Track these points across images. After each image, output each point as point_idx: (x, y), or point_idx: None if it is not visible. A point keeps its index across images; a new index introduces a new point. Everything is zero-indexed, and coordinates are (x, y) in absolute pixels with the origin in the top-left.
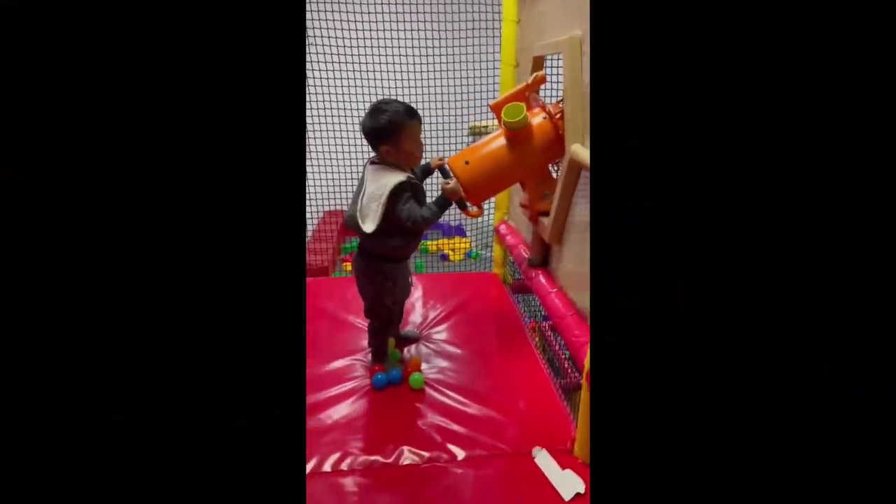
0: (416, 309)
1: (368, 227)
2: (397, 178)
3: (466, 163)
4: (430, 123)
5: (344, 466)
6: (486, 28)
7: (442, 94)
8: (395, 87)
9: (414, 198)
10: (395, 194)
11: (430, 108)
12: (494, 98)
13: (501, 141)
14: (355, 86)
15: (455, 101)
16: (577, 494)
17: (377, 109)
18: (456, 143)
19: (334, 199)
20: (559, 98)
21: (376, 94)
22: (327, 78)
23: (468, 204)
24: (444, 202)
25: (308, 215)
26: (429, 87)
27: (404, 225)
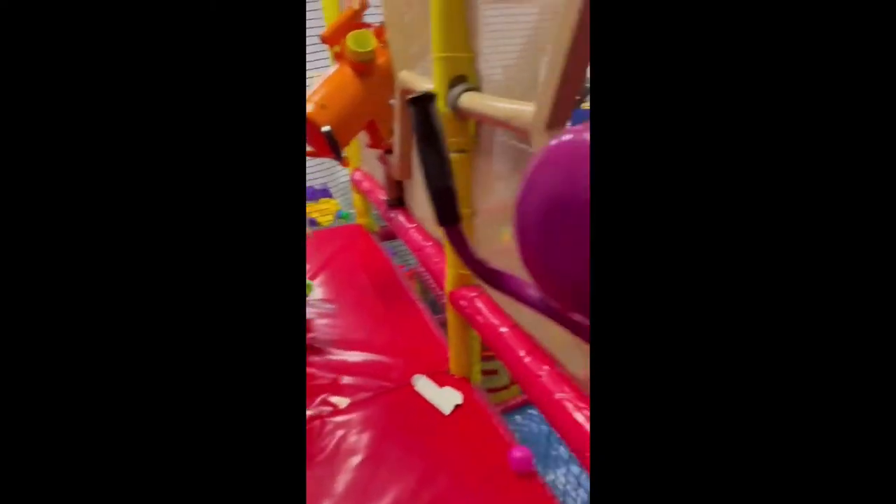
0: None
1: None
2: None
3: (323, 107)
4: None
5: None
6: None
7: None
8: None
9: None
10: None
11: None
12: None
13: (348, 74)
14: None
15: None
16: (457, 406)
17: None
18: None
19: None
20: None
21: None
22: None
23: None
24: None
25: None
26: None
27: None
